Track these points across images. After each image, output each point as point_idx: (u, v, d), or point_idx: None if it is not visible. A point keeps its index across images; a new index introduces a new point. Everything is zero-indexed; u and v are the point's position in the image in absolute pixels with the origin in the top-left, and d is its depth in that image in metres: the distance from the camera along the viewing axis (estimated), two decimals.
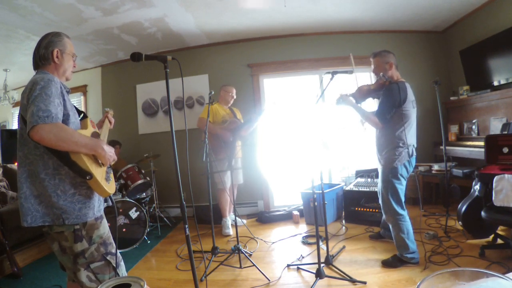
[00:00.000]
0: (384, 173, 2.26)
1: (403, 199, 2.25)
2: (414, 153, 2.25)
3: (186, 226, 1.38)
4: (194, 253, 1.90)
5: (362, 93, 2.34)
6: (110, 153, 1.35)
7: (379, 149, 2.33)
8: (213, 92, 2.85)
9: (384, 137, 2.25)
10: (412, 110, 2.22)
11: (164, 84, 1.38)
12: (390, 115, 2.17)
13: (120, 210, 3.10)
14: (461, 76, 3.89)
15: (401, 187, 2.24)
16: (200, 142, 3.53)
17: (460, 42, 3.84)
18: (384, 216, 2.38)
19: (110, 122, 1.70)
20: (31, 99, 1.17)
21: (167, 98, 1.39)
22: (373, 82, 2.35)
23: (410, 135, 2.24)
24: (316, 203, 2.19)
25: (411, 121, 2.22)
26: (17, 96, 4.55)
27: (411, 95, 2.21)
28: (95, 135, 1.46)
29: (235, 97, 3.57)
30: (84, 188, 1.30)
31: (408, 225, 2.23)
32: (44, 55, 1.36)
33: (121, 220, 3.08)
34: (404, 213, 2.24)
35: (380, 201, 2.36)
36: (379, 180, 2.41)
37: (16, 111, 5.33)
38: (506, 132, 2.84)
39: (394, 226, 2.24)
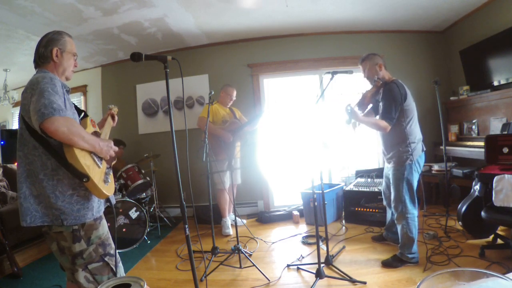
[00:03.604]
0: (398, 171, 2.22)
1: (416, 197, 2.24)
2: (425, 148, 2.28)
3: (186, 226, 1.37)
4: (194, 253, 1.90)
5: (367, 101, 2.33)
6: (105, 147, 1.34)
7: (388, 148, 2.30)
8: (213, 92, 2.85)
9: (393, 135, 2.22)
10: (413, 105, 2.24)
11: (164, 84, 1.38)
12: (396, 115, 2.15)
13: (120, 210, 3.09)
14: (461, 76, 3.89)
15: (415, 183, 2.23)
16: (200, 142, 3.53)
17: (460, 42, 3.84)
18: (394, 217, 2.35)
19: (113, 120, 1.69)
20: (37, 92, 1.17)
21: (167, 98, 1.39)
22: (371, 87, 2.34)
23: (417, 129, 2.26)
24: (316, 203, 2.18)
25: (415, 116, 2.24)
26: (17, 96, 4.55)
27: (408, 90, 2.23)
28: (95, 134, 1.45)
29: (234, 99, 3.55)
30: (83, 189, 1.30)
31: (416, 225, 2.23)
32: (44, 54, 1.35)
33: (121, 220, 3.07)
34: (416, 212, 2.23)
35: (392, 201, 2.31)
36: (387, 180, 2.39)
37: (16, 111, 5.34)
38: (506, 132, 2.84)
39: (404, 225, 2.22)
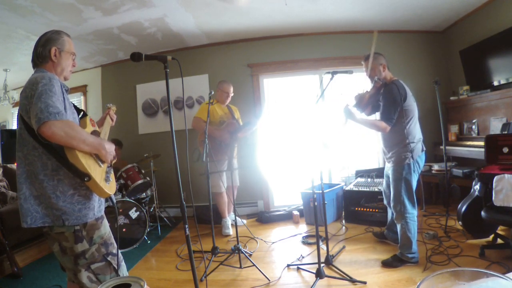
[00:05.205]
0: (396, 171, 2.23)
1: (415, 197, 2.24)
2: (424, 148, 2.28)
3: (186, 226, 1.37)
4: (194, 253, 1.90)
5: (365, 102, 2.33)
6: (110, 151, 1.35)
7: (388, 147, 2.31)
8: (213, 92, 2.84)
9: (393, 135, 2.23)
10: (414, 105, 2.24)
11: (164, 84, 1.38)
12: (395, 115, 2.16)
13: (120, 210, 3.09)
14: (461, 76, 3.89)
15: (415, 183, 2.23)
16: (195, 143, 3.50)
17: (460, 42, 3.84)
18: (393, 216, 2.35)
19: (111, 119, 1.68)
20: (35, 95, 1.16)
21: (167, 98, 1.39)
22: (370, 88, 2.34)
23: (417, 129, 2.26)
24: (316, 203, 2.19)
25: (415, 116, 2.25)
26: (17, 96, 4.55)
27: (408, 90, 2.23)
28: (95, 133, 1.45)
29: (231, 95, 3.45)
30: (84, 188, 1.30)
31: (415, 225, 2.23)
32: (42, 53, 1.34)
33: (121, 220, 3.07)
34: (415, 212, 2.23)
35: (391, 200, 2.32)
36: (387, 179, 2.39)
37: (16, 111, 5.33)
38: (506, 132, 2.84)
39: (403, 225, 2.23)
